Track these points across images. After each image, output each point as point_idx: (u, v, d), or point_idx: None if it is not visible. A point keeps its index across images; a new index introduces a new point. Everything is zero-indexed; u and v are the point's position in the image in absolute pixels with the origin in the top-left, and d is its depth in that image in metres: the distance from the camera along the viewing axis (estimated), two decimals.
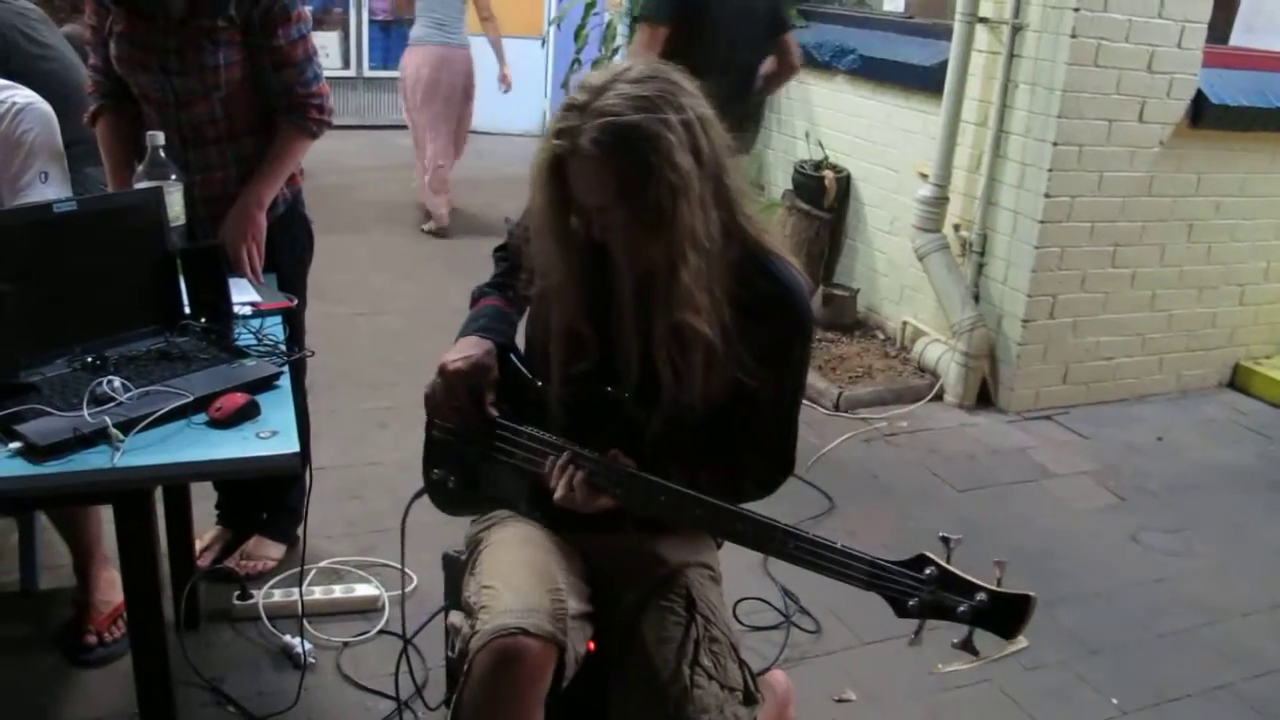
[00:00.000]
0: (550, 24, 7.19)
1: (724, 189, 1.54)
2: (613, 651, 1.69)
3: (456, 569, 1.94)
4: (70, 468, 1.46)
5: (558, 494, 1.61)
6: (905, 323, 4.67)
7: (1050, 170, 3.93)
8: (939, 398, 4.31)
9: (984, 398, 4.31)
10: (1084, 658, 2.72)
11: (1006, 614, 1.39)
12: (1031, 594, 1.37)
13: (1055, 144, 3.90)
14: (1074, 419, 4.27)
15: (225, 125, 2.31)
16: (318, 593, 2.61)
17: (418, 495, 1.90)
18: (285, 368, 1.80)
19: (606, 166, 1.45)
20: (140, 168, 2.13)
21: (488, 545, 1.75)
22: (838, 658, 2.64)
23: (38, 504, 2.11)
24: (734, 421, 1.69)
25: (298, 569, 2.71)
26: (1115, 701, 2.56)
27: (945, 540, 1.42)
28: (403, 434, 3.25)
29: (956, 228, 4.36)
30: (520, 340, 1.84)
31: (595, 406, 1.67)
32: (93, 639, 2.37)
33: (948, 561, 1.42)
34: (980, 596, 1.38)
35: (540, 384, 1.73)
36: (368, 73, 9.40)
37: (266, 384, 1.74)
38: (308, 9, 2.38)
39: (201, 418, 1.62)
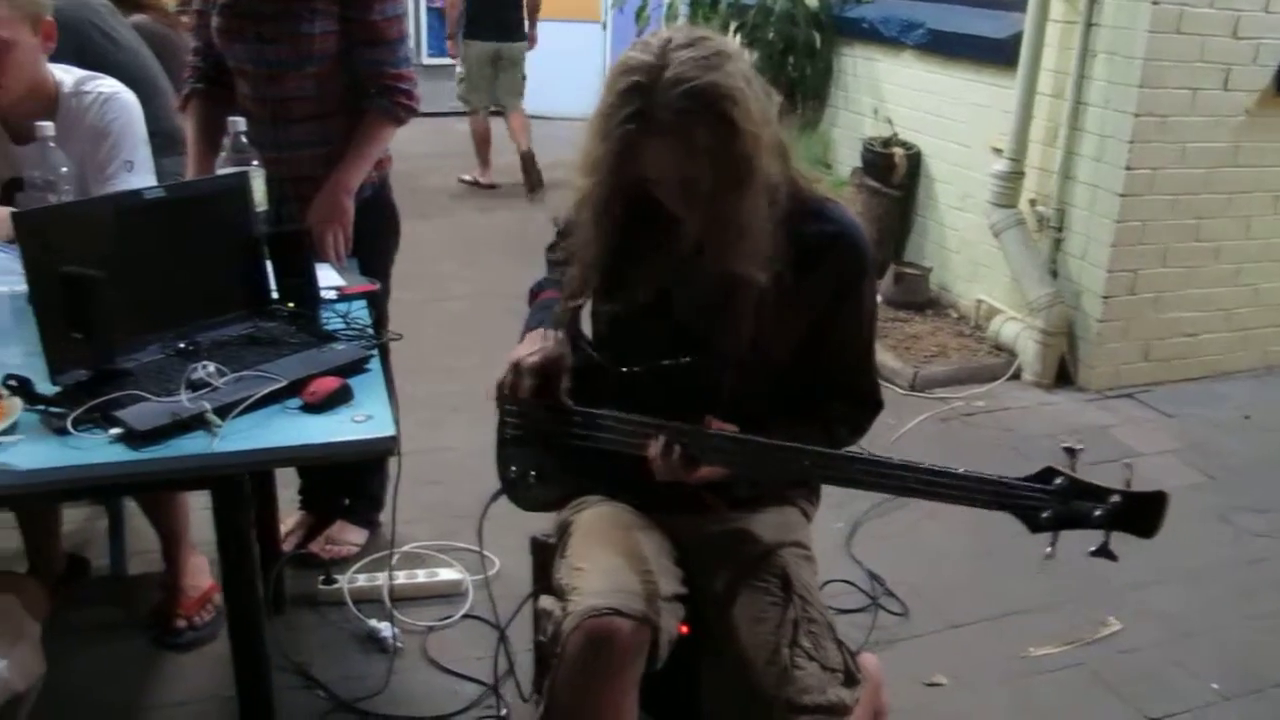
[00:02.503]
0: (611, 6, 7.12)
1: (780, 136, 1.54)
2: (706, 633, 1.67)
3: (544, 553, 1.93)
4: (169, 453, 1.46)
5: (660, 473, 1.59)
6: (979, 300, 4.58)
7: (1131, 142, 3.81)
8: (1016, 376, 4.23)
9: (1062, 376, 4.22)
10: (1178, 640, 2.64)
11: (1142, 513, 1.36)
12: (1165, 490, 1.35)
13: (1136, 115, 3.78)
14: (1156, 397, 4.16)
15: (316, 103, 2.33)
16: (401, 577, 2.61)
17: (495, 497, 1.88)
18: (375, 351, 1.79)
19: (693, 133, 1.42)
20: (223, 153, 2.14)
21: (577, 528, 1.73)
22: (925, 641, 2.59)
23: (135, 490, 2.13)
24: (814, 372, 1.69)
25: (380, 554, 2.74)
26: (1216, 686, 2.48)
27: (1069, 450, 1.41)
28: (475, 418, 3.21)
29: (1033, 203, 4.25)
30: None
31: (670, 380, 1.65)
32: (182, 623, 2.40)
33: (1072, 469, 1.39)
34: (1114, 499, 1.36)
35: (621, 369, 1.70)
36: (426, 60, 9.44)
37: (357, 368, 1.74)
38: None
39: (295, 402, 1.62)
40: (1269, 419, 4.03)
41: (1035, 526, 1.42)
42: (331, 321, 1.92)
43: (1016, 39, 4.15)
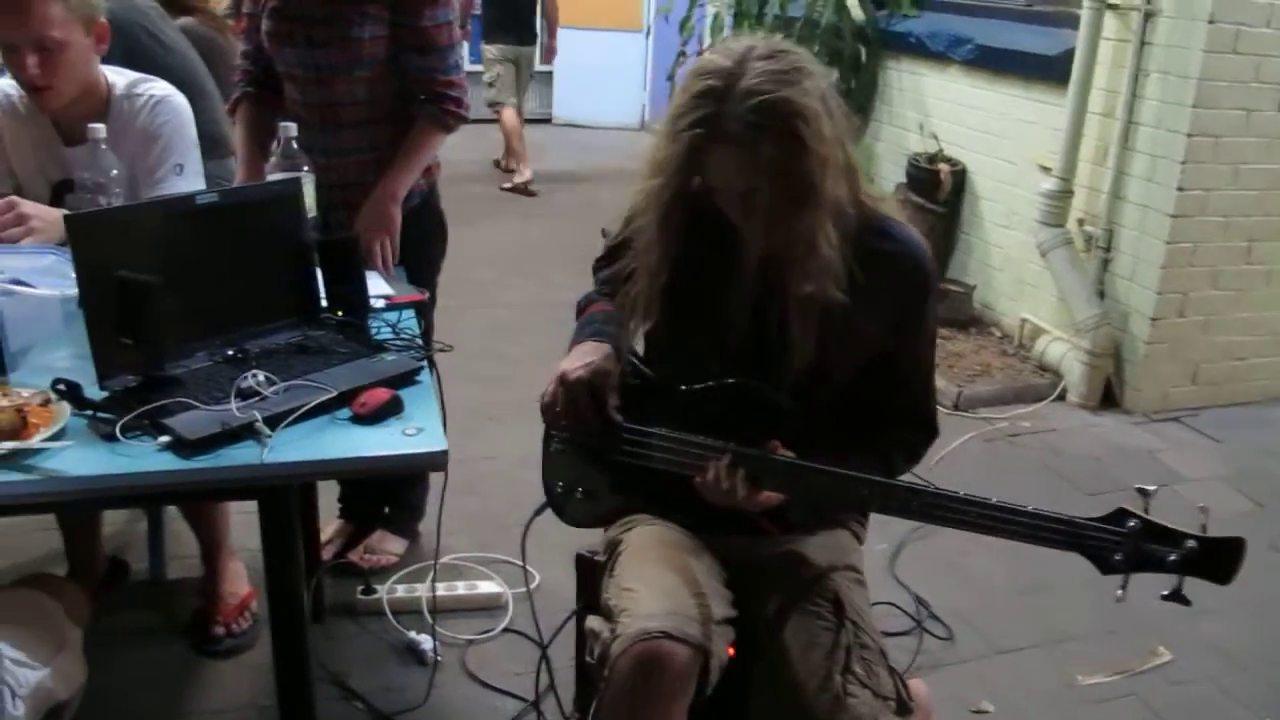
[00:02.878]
0: (656, 15, 7.14)
1: (850, 158, 1.52)
2: (754, 658, 1.63)
3: (589, 570, 1.90)
4: (218, 463, 1.44)
5: (717, 497, 1.56)
6: (1024, 319, 4.51)
7: (1184, 163, 3.75)
8: (1061, 397, 4.16)
9: (1108, 398, 4.15)
10: (1230, 672, 2.57)
11: (1218, 559, 1.34)
12: (1242, 536, 1.33)
13: (1189, 135, 3.72)
14: (1204, 421, 4.08)
15: (365, 109, 2.31)
16: (441, 589, 2.58)
17: (540, 510, 1.86)
18: (426, 363, 1.77)
19: (760, 146, 1.40)
20: (273, 158, 2.14)
21: (627, 547, 1.70)
22: (971, 666, 2.54)
23: (183, 499, 2.13)
24: (873, 394, 1.66)
25: (419, 565, 2.72)
26: (1119, 594, 2.41)
27: (1142, 491, 1.38)
28: (517, 429, 3.22)
29: (1080, 222, 4.19)
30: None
31: (725, 400, 1.62)
32: (221, 630, 2.39)
33: (1145, 511, 1.37)
34: (1190, 544, 1.34)
35: (680, 386, 1.67)
36: (468, 66, 9.46)
37: (408, 379, 1.72)
38: None
39: (344, 413, 1.59)
40: None
41: (1107, 568, 1.39)
42: (381, 331, 1.90)
43: (1068, 56, 4.09)
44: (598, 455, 1.75)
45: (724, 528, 1.69)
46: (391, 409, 1.61)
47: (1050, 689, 2.47)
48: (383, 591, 2.58)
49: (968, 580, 2.86)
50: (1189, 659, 2.60)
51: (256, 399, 1.56)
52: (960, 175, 4.81)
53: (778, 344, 1.58)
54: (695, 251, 1.59)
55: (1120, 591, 1.39)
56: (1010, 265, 4.63)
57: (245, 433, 1.49)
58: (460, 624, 2.54)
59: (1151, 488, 1.38)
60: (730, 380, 1.63)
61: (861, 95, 5.44)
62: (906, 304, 1.62)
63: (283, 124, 2.12)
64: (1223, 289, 4.02)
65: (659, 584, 1.56)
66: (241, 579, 2.48)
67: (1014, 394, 4.13)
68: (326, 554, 2.69)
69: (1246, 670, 2.58)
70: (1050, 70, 4.23)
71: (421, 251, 2.45)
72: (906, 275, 1.60)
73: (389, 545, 2.76)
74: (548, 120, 9.61)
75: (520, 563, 2.63)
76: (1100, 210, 4.09)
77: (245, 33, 2.45)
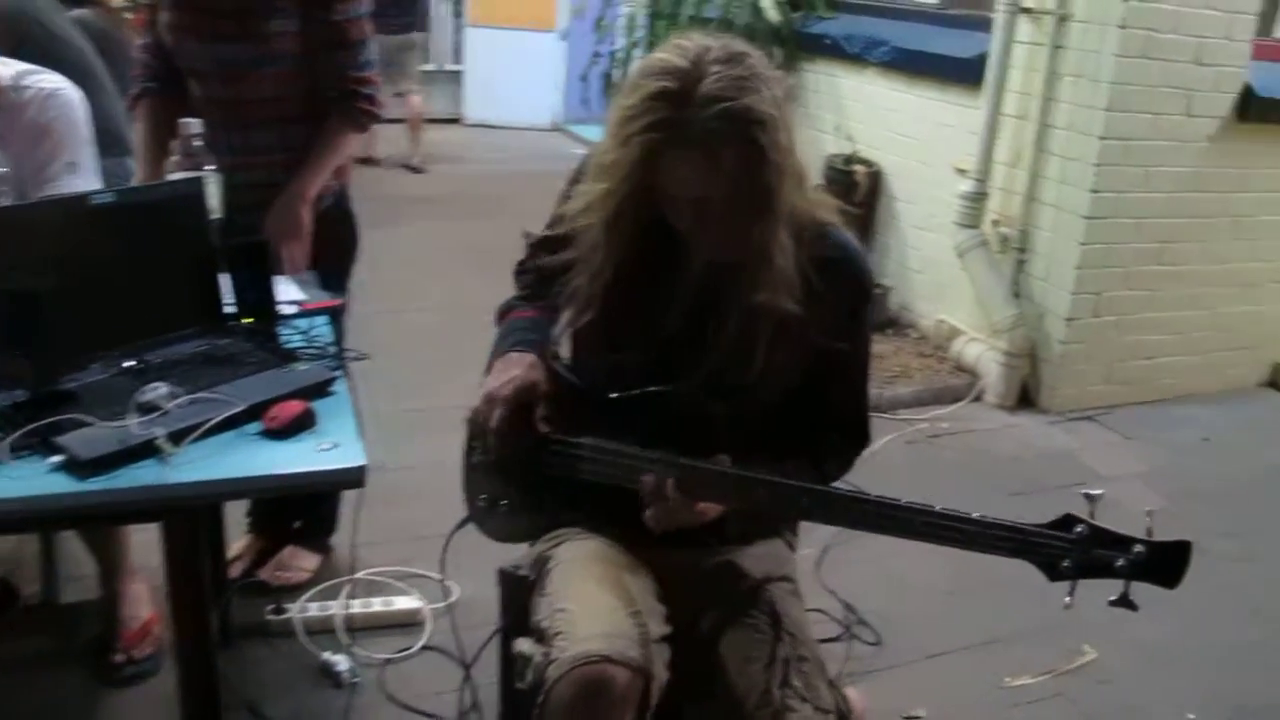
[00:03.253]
0: (571, 14, 7.07)
1: (801, 165, 1.47)
2: (690, 675, 1.58)
3: (514, 587, 1.83)
4: (117, 484, 1.34)
5: (656, 517, 1.50)
6: (941, 320, 4.54)
7: (1097, 165, 3.80)
8: (979, 398, 4.19)
9: (1024, 398, 4.19)
10: (1156, 670, 2.60)
11: (1166, 563, 1.32)
12: (1189, 539, 1.32)
13: (1102, 138, 3.77)
14: (1117, 419, 4.15)
15: (275, 106, 2.20)
16: (357, 606, 2.48)
17: (461, 525, 1.79)
18: (340, 372, 1.68)
19: (720, 154, 1.35)
20: (174, 157, 2.01)
21: (557, 563, 1.63)
22: (902, 672, 2.52)
23: (78, 523, 1.99)
24: (808, 401, 1.62)
25: (333, 581, 2.60)
26: (1191, 716, 2.44)
27: (1088, 496, 1.36)
28: (434, 437, 3.10)
29: (996, 224, 4.23)
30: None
31: (657, 408, 1.56)
32: (121, 657, 2.25)
33: (1091, 516, 1.35)
34: (1137, 549, 1.32)
35: (601, 393, 1.61)
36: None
37: (322, 390, 1.62)
38: None
39: (254, 427, 1.50)
40: (1227, 442, 4.04)
41: (1054, 575, 1.36)
42: (292, 339, 1.80)
43: (983, 59, 4.13)
44: (523, 468, 1.68)
45: (655, 540, 1.63)
46: (305, 422, 1.51)
47: (980, 692, 2.47)
48: (294, 610, 2.46)
49: (895, 583, 2.84)
50: (1115, 657, 2.62)
51: (158, 414, 1.45)
52: (876, 177, 4.83)
53: (715, 352, 1.53)
54: (636, 255, 1.52)
55: (1068, 598, 1.36)
56: (927, 267, 4.66)
57: (146, 451, 1.38)
58: (377, 642, 2.43)
59: (1097, 492, 1.35)
60: (661, 388, 1.57)
61: None
62: (846, 311, 1.58)
63: (184, 121, 2.00)
64: (1135, 289, 4.09)
65: (595, 604, 1.49)
66: (143, 602, 2.34)
67: (933, 395, 4.15)
68: (234, 572, 2.56)
69: (1171, 667, 2.60)
70: (966, 73, 4.26)
71: (334, 255, 2.34)
72: (847, 282, 1.56)
73: (301, 561, 2.64)
74: (457, 121, 9.45)
75: (439, 576, 2.56)
76: (1015, 212, 4.13)
77: (145, 25, 2.31)
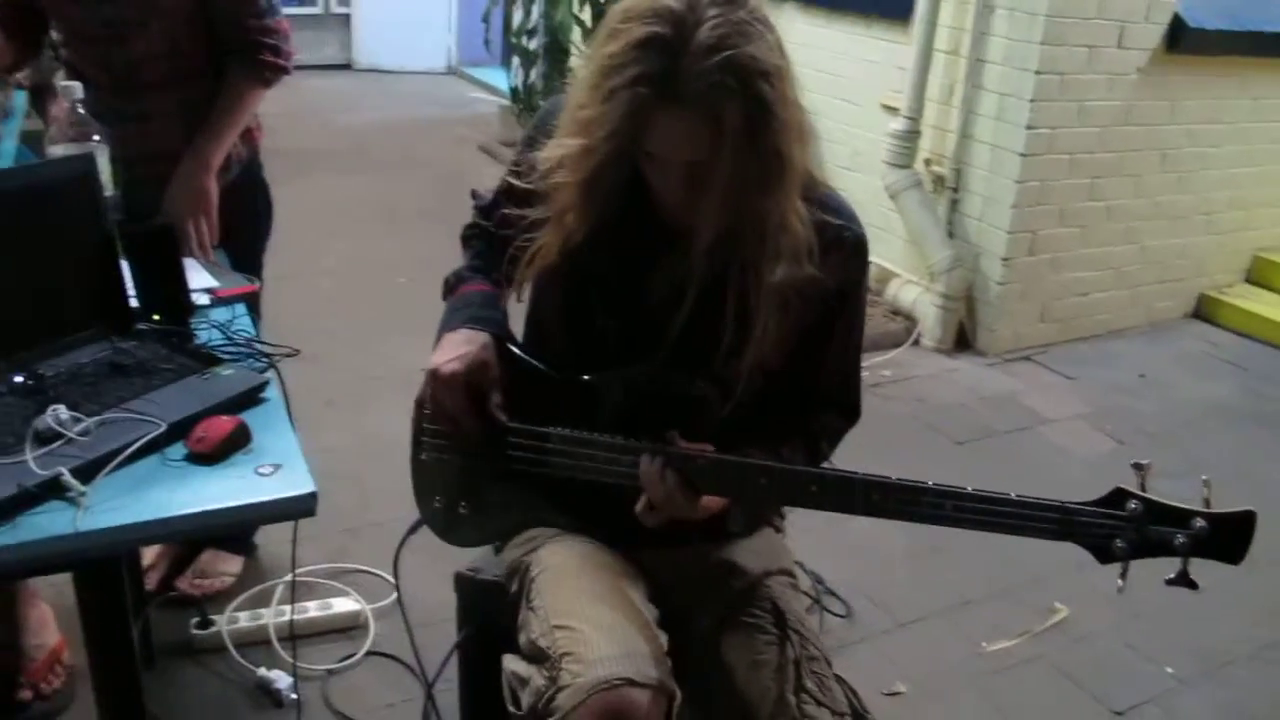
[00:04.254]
0: None
1: (808, 119, 1.31)
2: (689, 679, 1.42)
3: (474, 592, 1.67)
4: (19, 537, 1.10)
5: (643, 505, 1.34)
6: (873, 264, 4.42)
7: (1033, 100, 3.70)
8: (916, 342, 4.10)
9: (961, 340, 4.12)
10: (1128, 622, 2.54)
11: (1229, 536, 1.20)
12: (1252, 509, 1.20)
13: (1038, 72, 3.66)
14: (1054, 358, 4.11)
15: (168, 64, 1.93)
16: (289, 613, 2.26)
17: (414, 529, 1.62)
18: (271, 374, 1.46)
19: (722, 113, 1.16)
20: (53, 128, 1.74)
21: (541, 572, 1.45)
22: (876, 644, 2.41)
23: None
24: (802, 377, 1.48)
25: (261, 585, 2.39)
26: (1171, 670, 2.39)
27: (1138, 467, 1.22)
28: (355, 415, 2.90)
29: (928, 163, 4.12)
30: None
31: (636, 391, 1.41)
32: (28, 694, 2.00)
33: (1142, 488, 1.22)
34: (1198, 523, 1.20)
35: (583, 377, 1.43)
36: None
37: (252, 398, 1.40)
38: None
39: (178, 450, 1.27)
40: (1162, 377, 4.04)
41: (1106, 557, 1.23)
42: (210, 337, 1.56)
43: None
44: (482, 463, 1.50)
45: (644, 537, 1.46)
46: (238, 441, 1.29)
47: (958, 660, 2.38)
48: (222, 622, 2.23)
49: (858, 550, 2.72)
50: (1086, 613, 2.56)
51: (60, 442, 1.22)
52: None
53: (709, 332, 1.36)
54: (614, 218, 1.33)
55: (1120, 581, 1.23)
56: (857, 209, 4.51)
57: (49, 491, 1.15)
58: (318, 651, 2.22)
59: (1146, 461, 1.22)
60: (644, 368, 1.41)
61: None
62: (846, 281, 1.42)
63: (65, 85, 1.73)
64: (1069, 226, 4.03)
65: (602, 620, 1.32)
66: (48, 626, 2.08)
67: (870, 341, 4.04)
68: (150, 583, 2.32)
69: (1142, 618, 2.55)
70: (893, 7, 4.11)
71: (246, 231, 2.09)
72: (848, 250, 1.41)
73: (222, 566, 2.40)
74: (347, 66, 8.99)
75: (378, 572, 2.36)
76: (949, 150, 4.02)
77: None
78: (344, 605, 2.33)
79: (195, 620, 2.23)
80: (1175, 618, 2.55)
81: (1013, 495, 1.24)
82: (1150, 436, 3.50)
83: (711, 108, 1.15)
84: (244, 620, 2.25)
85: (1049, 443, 3.35)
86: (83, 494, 1.15)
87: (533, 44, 6.01)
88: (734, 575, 1.51)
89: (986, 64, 3.84)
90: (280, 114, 7.22)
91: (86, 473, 1.17)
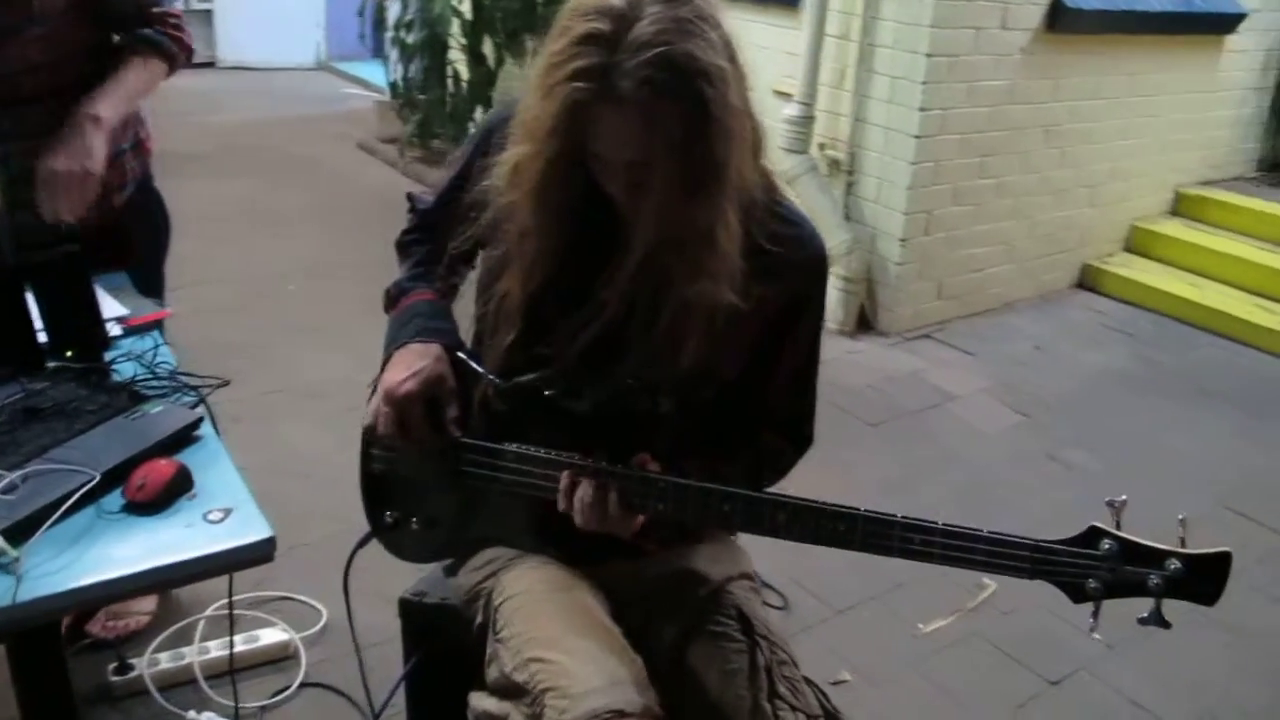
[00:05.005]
0: None
1: (759, 128, 1.26)
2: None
3: (421, 617, 1.61)
4: None
5: (584, 521, 1.30)
6: None
7: (924, 83, 3.76)
8: None
9: (862, 321, 4.18)
10: (1053, 593, 2.58)
11: (1205, 577, 1.18)
12: (1228, 549, 1.17)
13: (929, 55, 3.72)
14: (952, 334, 4.20)
15: (49, 74, 1.78)
16: (213, 649, 2.15)
17: (363, 543, 1.54)
18: (203, 409, 1.36)
19: (657, 111, 1.11)
20: None
21: (507, 599, 1.39)
22: (815, 633, 2.42)
23: None
24: (749, 398, 1.44)
25: (181, 622, 2.26)
26: (1098, 637, 2.45)
27: (1111, 505, 1.20)
28: (265, 430, 2.77)
29: (823, 147, 4.15)
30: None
31: (598, 406, 1.36)
32: None
33: (1117, 527, 1.20)
34: (1173, 564, 1.17)
35: (545, 391, 1.38)
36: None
37: (186, 437, 1.31)
38: None
39: (115, 500, 1.18)
40: (1056, 348, 4.17)
41: (1079, 597, 1.22)
42: (130, 370, 1.45)
43: None
44: (437, 478, 1.44)
45: (600, 554, 1.43)
46: (181, 486, 1.21)
47: (897, 643, 2.40)
48: (142, 665, 2.10)
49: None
50: (1010, 587, 2.57)
51: None
52: None
53: (641, 346, 1.32)
54: (571, 227, 1.28)
55: (1093, 621, 1.22)
56: None
57: None
58: (249, 686, 2.11)
59: (1121, 498, 1.21)
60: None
61: None
62: (802, 295, 1.39)
63: None
64: (962, 204, 4.12)
65: (579, 649, 1.28)
66: None
67: None
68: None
69: None
70: None
71: (148, 250, 1.97)
72: (804, 264, 1.37)
73: (136, 605, 2.25)
74: (211, 64, 8.63)
75: (305, 599, 2.27)
76: (843, 134, 4.06)
77: None
78: (272, 636, 2.22)
79: (113, 665, 2.10)
80: None
81: (984, 532, 1.22)
82: (1051, 408, 3.60)
83: (646, 105, 1.10)
84: (165, 661, 2.13)
85: (959, 419, 3.42)
86: (16, 559, 1.05)
87: (411, 38, 5.85)
88: (696, 583, 1.47)
89: (877, 48, 3.88)
90: (156, 113, 6.91)
91: (17, 534, 1.07)
